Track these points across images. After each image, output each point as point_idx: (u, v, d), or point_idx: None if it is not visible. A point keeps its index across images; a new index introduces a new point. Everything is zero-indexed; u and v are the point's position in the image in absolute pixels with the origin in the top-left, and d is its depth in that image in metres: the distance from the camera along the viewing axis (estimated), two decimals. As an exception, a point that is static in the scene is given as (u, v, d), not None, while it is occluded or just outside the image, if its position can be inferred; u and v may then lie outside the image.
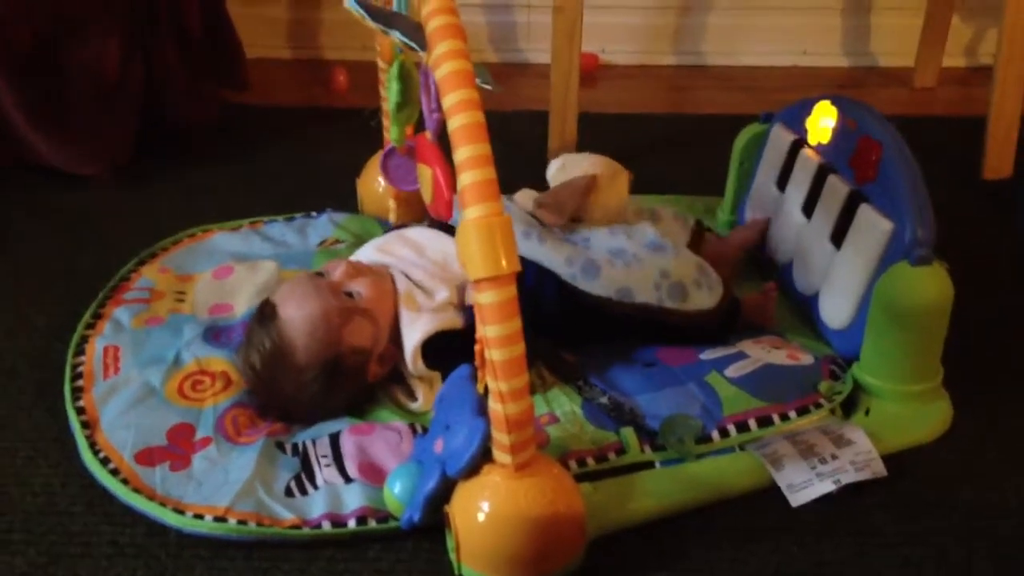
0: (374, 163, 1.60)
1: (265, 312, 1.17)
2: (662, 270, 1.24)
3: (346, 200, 1.64)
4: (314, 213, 1.62)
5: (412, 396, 1.19)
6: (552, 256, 1.23)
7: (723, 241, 1.46)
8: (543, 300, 1.21)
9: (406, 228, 1.37)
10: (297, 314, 1.14)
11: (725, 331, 1.27)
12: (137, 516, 1.04)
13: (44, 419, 1.19)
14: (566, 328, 1.24)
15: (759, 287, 1.35)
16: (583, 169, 1.31)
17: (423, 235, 1.32)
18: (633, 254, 1.25)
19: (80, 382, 1.22)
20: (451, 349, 1.09)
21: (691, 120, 2.10)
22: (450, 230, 1.25)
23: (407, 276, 1.24)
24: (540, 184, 1.36)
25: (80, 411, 1.17)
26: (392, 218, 1.52)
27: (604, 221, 1.30)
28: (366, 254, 1.32)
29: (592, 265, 1.23)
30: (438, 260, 1.26)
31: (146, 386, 1.20)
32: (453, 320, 1.19)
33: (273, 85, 2.24)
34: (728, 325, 1.27)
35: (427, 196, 1.15)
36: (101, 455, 1.10)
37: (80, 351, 1.28)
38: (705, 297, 1.25)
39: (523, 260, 1.18)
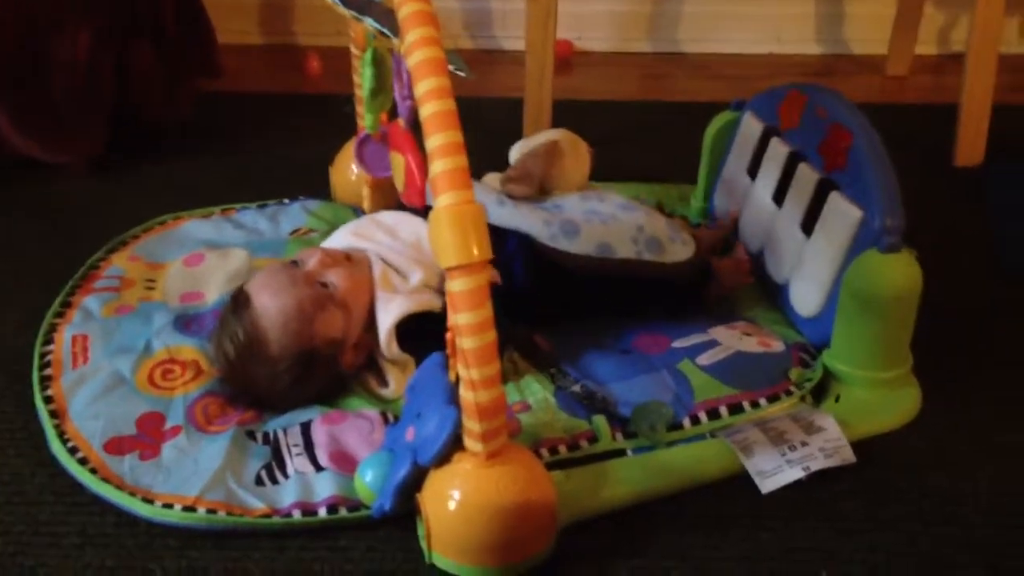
0: (347, 150, 1.59)
1: (239, 301, 1.16)
2: (638, 225, 1.26)
3: (319, 188, 1.63)
4: (286, 200, 1.61)
5: (384, 382, 1.19)
6: (529, 220, 1.24)
7: (695, 235, 1.46)
8: (516, 269, 1.21)
9: (379, 212, 1.36)
10: (271, 304, 1.13)
11: (701, 285, 1.30)
12: (106, 506, 1.04)
13: (12, 408, 1.18)
14: (540, 300, 1.24)
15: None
16: (540, 140, 1.32)
17: (396, 218, 1.32)
18: (609, 213, 1.27)
19: (48, 371, 1.21)
20: (426, 332, 1.08)
21: (666, 107, 2.10)
22: (423, 214, 1.24)
23: (383, 259, 1.23)
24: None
25: (48, 400, 1.16)
26: (366, 205, 1.51)
27: (572, 190, 1.31)
28: (341, 238, 1.31)
29: (571, 224, 1.24)
30: (412, 242, 1.26)
31: (115, 375, 1.19)
32: (429, 302, 1.18)
33: (245, 71, 2.23)
34: (703, 279, 1.30)
35: (399, 183, 1.15)
36: (70, 444, 1.10)
37: (48, 340, 1.27)
38: (680, 249, 1.27)
39: (496, 229, 1.19)
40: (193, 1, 1.97)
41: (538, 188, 1.29)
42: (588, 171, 1.34)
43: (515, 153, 1.37)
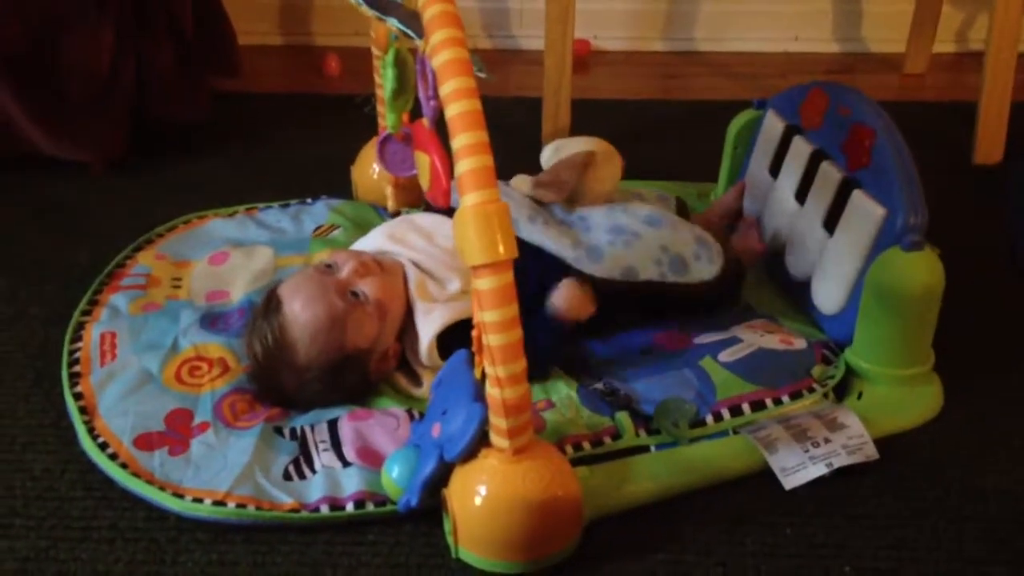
0: (368, 150, 1.60)
1: (270, 304, 1.17)
2: (662, 244, 1.25)
3: (340, 187, 1.64)
4: (309, 199, 1.62)
5: (416, 382, 1.20)
6: (555, 242, 1.24)
7: (704, 215, 1.47)
8: (546, 286, 1.21)
9: (414, 214, 1.36)
10: (301, 314, 1.14)
11: (731, 298, 1.31)
12: (136, 500, 1.05)
13: (42, 406, 1.20)
14: None
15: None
16: (578, 148, 1.32)
17: (432, 221, 1.32)
18: (632, 231, 1.26)
19: (77, 368, 1.22)
20: (464, 340, 1.08)
21: (683, 106, 2.10)
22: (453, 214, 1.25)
23: (418, 265, 1.24)
24: (534, 170, 1.37)
25: (78, 397, 1.18)
26: (390, 205, 1.52)
27: (599, 200, 1.31)
28: (376, 241, 1.31)
29: (595, 250, 1.24)
30: (448, 248, 1.26)
31: (144, 372, 1.20)
32: (467, 310, 1.17)
33: (264, 72, 2.24)
34: (733, 291, 1.30)
35: (425, 183, 1.15)
36: (100, 440, 1.11)
37: (77, 337, 1.28)
38: (705, 267, 1.26)
39: (527, 245, 1.19)
40: (212, 1, 1.98)
41: (567, 197, 1.30)
42: (618, 179, 1.35)
43: (547, 154, 1.37)
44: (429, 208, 1.35)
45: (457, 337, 1.12)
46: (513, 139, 1.62)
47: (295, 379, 1.14)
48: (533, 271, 1.19)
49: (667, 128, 1.99)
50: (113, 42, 1.76)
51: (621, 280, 1.23)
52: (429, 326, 1.17)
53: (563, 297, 1.21)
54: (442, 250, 1.26)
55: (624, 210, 1.29)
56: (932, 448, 1.14)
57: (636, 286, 1.23)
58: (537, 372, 0.94)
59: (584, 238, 1.26)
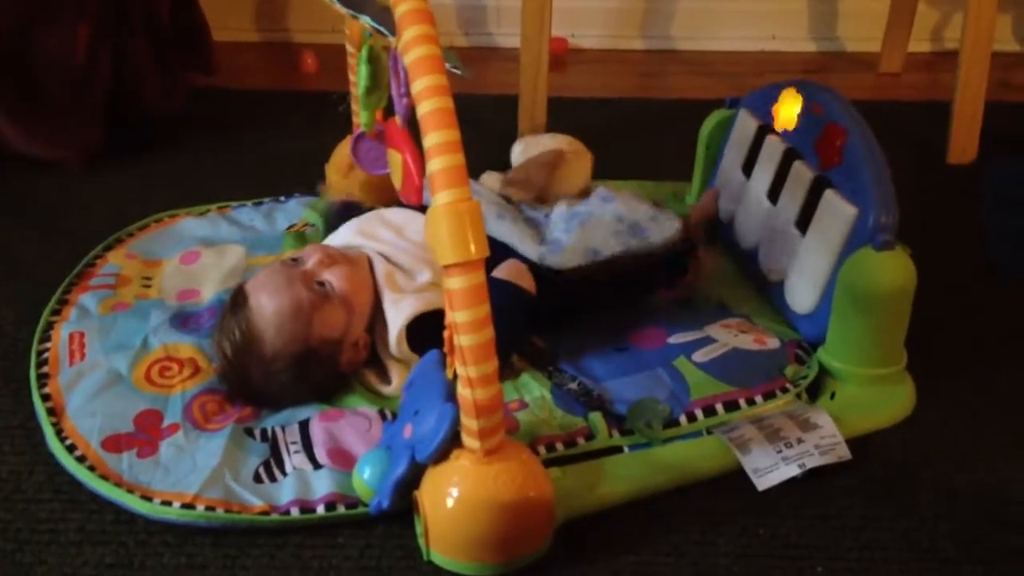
0: (342, 148, 1.59)
1: (237, 300, 1.16)
2: (616, 216, 1.27)
3: (314, 184, 1.63)
4: (282, 198, 1.61)
5: (385, 380, 1.19)
6: (520, 241, 1.25)
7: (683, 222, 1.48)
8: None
9: (385, 209, 1.36)
10: (268, 304, 1.14)
11: (687, 255, 1.31)
12: (104, 503, 1.04)
13: (9, 406, 1.18)
14: (541, 306, 1.24)
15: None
16: (546, 145, 1.32)
17: (404, 216, 1.32)
18: (587, 213, 1.28)
19: (46, 368, 1.21)
20: (433, 331, 1.08)
21: (660, 105, 2.10)
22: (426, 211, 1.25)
23: (387, 258, 1.23)
24: (509, 167, 1.37)
25: (46, 398, 1.16)
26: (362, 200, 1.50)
27: (568, 197, 1.31)
28: (345, 236, 1.31)
29: (556, 243, 1.25)
30: (419, 241, 1.26)
31: (113, 372, 1.19)
32: (437, 301, 1.18)
33: (241, 68, 2.22)
34: (689, 249, 1.32)
35: (397, 181, 1.14)
36: (68, 442, 1.10)
37: (46, 337, 1.27)
38: (665, 227, 1.28)
39: (496, 242, 1.19)
40: (188, -3, 1.97)
41: (537, 195, 1.30)
42: (588, 177, 1.35)
43: (517, 151, 1.37)
44: (403, 206, 1.34)
45: (427, 328, 1.12)
46: (489, 136, 1.61)
47: (263, 371, 1.14)
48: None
49: (644, 127, 1.99)
50: (89, 38, 1.75)
51: (587, 263, 1.23)
52: (398, 316, 1.16)
53: (504, 271, 1.22)
54: (412, 243, 1.26)
55: (584, 200, 1.31)
56: (905, 448, 1.14)
57: (604, 265, 1.24)
58: (502, 340, 0.92)
59: (547, 234, 1.26)
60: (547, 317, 1.26)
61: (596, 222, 1.26)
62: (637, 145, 1.88)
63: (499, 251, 1.22)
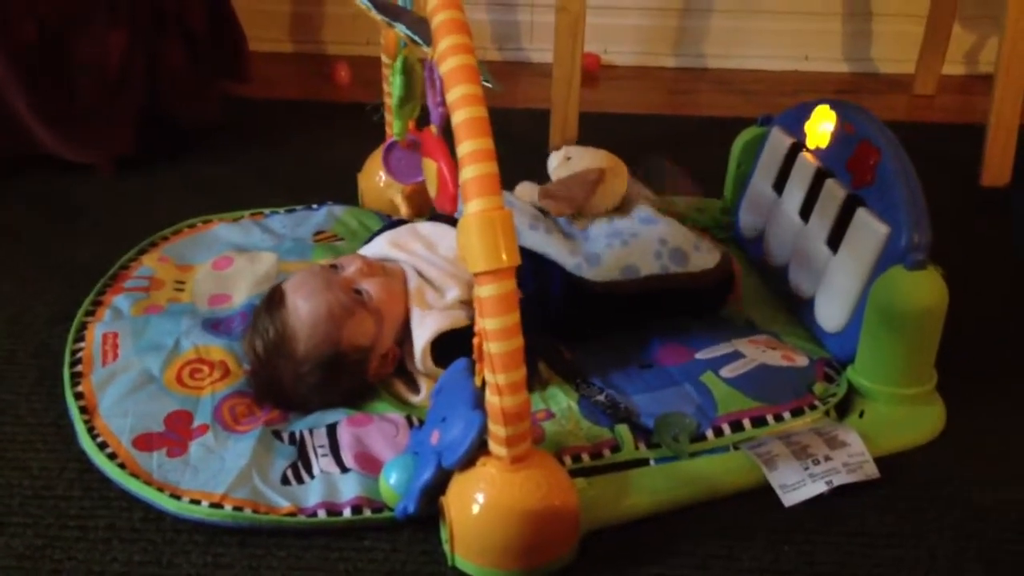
0: (375, 158, 1.61)
1: (273, 299, 1.17)
2: (660, 238, 1.27)
3: (347, 193, 1.65)
4: (315, 206, 1.62)
5: (414, 390, 1.20)
6: (556, 250, 1.25)
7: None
8: (548, 290, 1.22)
9: (418, 222, 1.37)
10: (303, 305, 1.15)
11: (726, 290, 1.31)
12: (134, 501, 1.05)
13: (42, 404, 1.20)
14: (570, 318, 1.25)
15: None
16: (588, 162, 1.33)
17: (435, 230, 1.32)
18: (630, 232, 1.28)
19: (79, 368, 1.23)
20: (460, 346, 1.08)
21: (691, 122, 2.10)
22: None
23: (419, 272, 1.24)
24: (540, 182, 1.37)
25: (79, 396, 1.18)
26: (403, 212, 1.52)
27: (603, 214, 1.32)
28: (378, 247, 1.31)
29: (594, 256, 1.25)
30: (449, 256, 1.26)
31: (145, 373, 1.20)
32: (462, 319, 1.18)
33: (275, 79, 2.24)
34: (728, 284, 1.31)
35: (432, 190, 1.16)
36: (99, 440, 1.11)
37: (79, 337, 1.28)
38: (706, 257, 1.28)
39: (528, 252, 1.20)
40: (223, 4, 1.99)
41: (576, 212, 1.31)
42: (623, 194, 1.35)
43: (555, 162, 1.37)
44: (435, 216, 1.35)
45: (453, 345, 1.12)
46: (521, 151, 1.62)
47: (292, 372, 1.14)
48: (532, 279, 1.20)
49: (674, 143, 1.99)
50: (124, 43, 1.77)
51: (623, 280, 1.24)
52: (424, 332, 1.17)
53: None
54: (443, 259, 1.26)
55: (624, 216, 1.31)
56: (933, 468, 1.13)
57: (639, 284, 1.24)
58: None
59: (584, 248, 1.26)
60: (576, 330, 1.26)
61: (638, 242, 1.26)
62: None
63: (531, 262, 1.23)
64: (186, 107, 1.92)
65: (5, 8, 1.68)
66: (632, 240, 1.27)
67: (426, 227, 1.34)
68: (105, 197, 1.72)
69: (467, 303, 1.21)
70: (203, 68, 1.94)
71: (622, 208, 1.33)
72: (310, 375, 1.15)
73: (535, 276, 1.21)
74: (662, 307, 1.28)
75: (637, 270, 1.25)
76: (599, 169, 1.32)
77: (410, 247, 1.29)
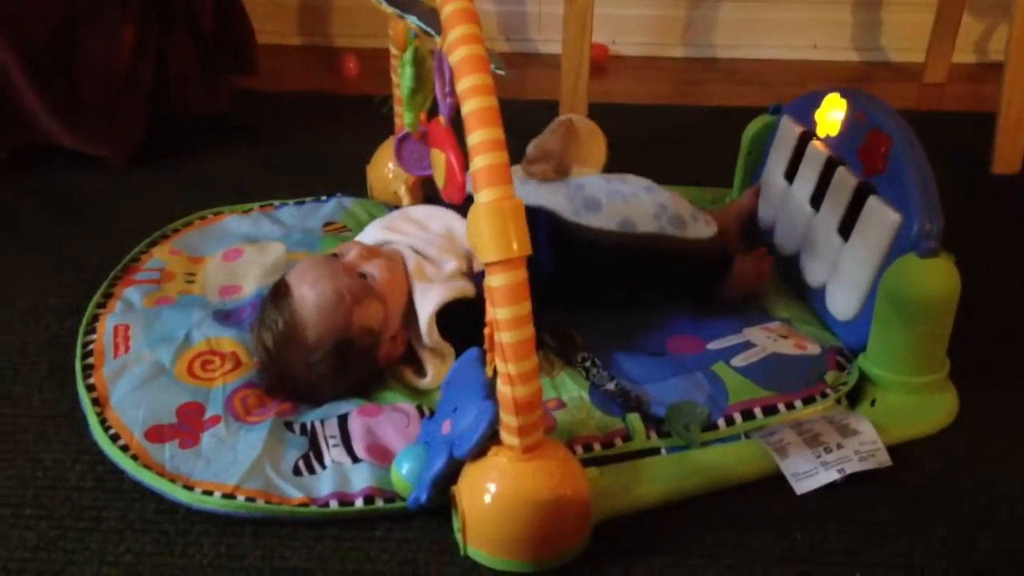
0: (384, 149, 1.61)
1: (279, 291, 1.17)
2: (660, 204, 1.29)
3: (355, 186, 1.65)
4: (324, 197, 1.63)
5: (421, 373, 1.20)
6: (552, 196, 1.27)
7: (718, 215, 1.47)
8: (540, 242, 1.20)
9: (409, 207, 1.38)
10: (310, 293, 1.15)
11: (722, 265, 1.31)
12: (146, 492, 1.05)
13: (54, 396, 1.20)
14: (563, 274, 1.23)
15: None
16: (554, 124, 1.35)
17: (425, 211, 1.34)
18: (631, 192, 1.30)
19: (91, 360, 1.23)
20: (464, 318, 1.09)
21: (700, 112, 2.10)
22: (462, 210, 1.25)
23: (415, 250, 1.25)
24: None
25: (91, 388, 1.18)
26: (405, 202, 1.52)
27: (592, 171, 1.33)
28: (374, 233, 1.32)
29: (593, 201, 1.27)
30: (442, 233, 1.28)
31: (156, 365, 1.21)
32: (465, 288, 1.20)
33: (282, 71, 2.25)
34: (724, 259, 1.31)
35: (440, 180, 1.16)
36: (111, 432, 1.11)
37: (91, 329, 1.28)
38: (702, 228, 1.31)
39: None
40: (231, -1, 2.00)
41: (557, 167, 1.31)
42: (605, 158, 1.36)
43: (532, 148, 1.39)
44: (431, 203, 1.36)
45: (456, 316, 1.14)
46: (528, 141, 1.62)
47: (303, 361, 1.15)
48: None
49: (683, 133, 1.99)
50: (133, 38, 1.78)
51: (618, 232, 1.24)
52: (428, 304, 1.17)
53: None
54: (437, 235, 1.28)
55: (622, 180, 1.33)
56: (945, 456, 1.13)
57: (634, 239, 1.25)
58: None
59: (581, 194, 1.28)
60: (563, 282, 1.24)
61: (639, 203, 1.28)
62: (676, 151, 1.88)
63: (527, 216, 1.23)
64: (194, 100, 1.92)
65: (17, 3, 1.69)
66: (633, 199, 1.29)
67: (417, 210, 1.35)
68: (115, 191, 1.72)
69: (467, 274, 1.21)
70: (211, 62, 1.94)
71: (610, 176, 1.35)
72: (321, 363, 1.15)
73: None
74: (655, 272, 1.29)
75: (634, 225, 1.26)
76: (563, 119, 1.34)
77: (404, 229, 1.30)
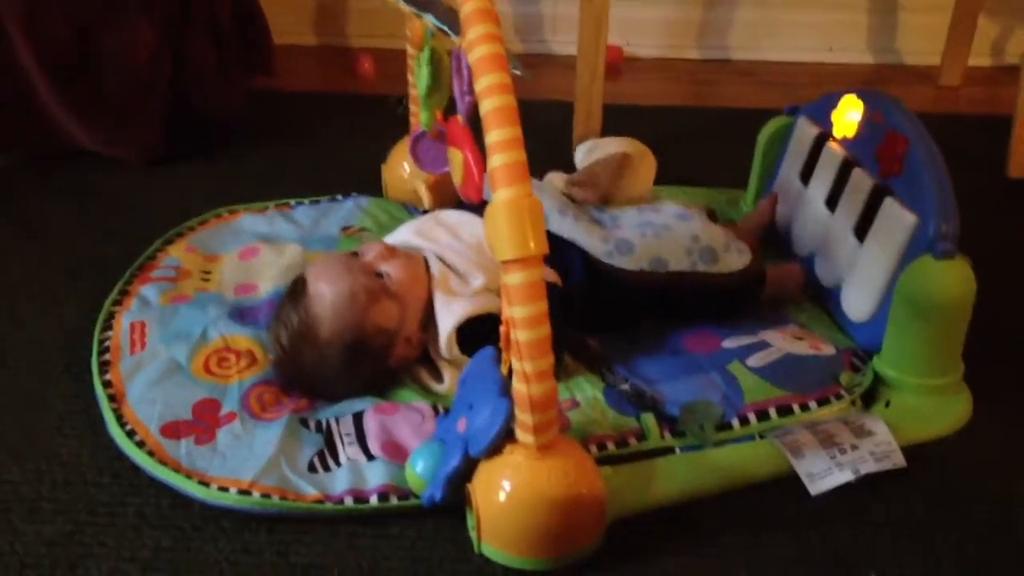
0: (399, 149, 1.61)
1: (296, 288, 1.18)
2: (693, 235, 1.27)
3: (371, 185, 1.65)
4: (339, 197, 1.63)
5: (438, 378, 1.20)
6: (587, 236, 1.26)
7: (737, 227, 1.47)
8: (569, 276, 1.22)
9: (442, 211, 1.37)
10: (326, 290, 1.15)
11: (754, 294, 1.31)
12: (162, 488, 1.06)
13: (71, 393, 1.21)
14: (589, 306, 1.24)
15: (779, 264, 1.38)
16: (612, 149, 1.33)
17: (458, 218, 1.32)
18: (663, 224, 1.28)
19: (107, 356, 1.23)
20: (484, 334, 1.08)
21: (714, 114, 2.10)
22: (483, 211, 1.26)
23: (442, 260, 1.24)
24: (568, 172, 1.37)
25: (107, 384, 1.19)
26: (425, 203, 1.53)
27: (632, 202, 1.32)
28: (403, 236, 1.32)
29: (625, 243, 1.25)
30: (473, 244, 1.27)
31: (172, 361, 1.21)
32: (488, 304, 1.18)
33: (299, 71, 2.26)
34: (757, 288, 1.31)
35: (457, 179, 1.16)
36: (128, 428, 1.12)
37: (107, 326, 1.29)
38: (735, 258, 1.28)
39: (557, 240, 1.20)
40: (250, 0, 2.00)
41: (601, 196, 1.31)
42: (651, 181, 1.35)
43: (581, 155, 1.38)
44: (460, 205, 1.35)
45: (477, 331, 1.13)
46: (543, 142, 1.62)
47: (316, 356, 1.15)
48: (560, 266, 1.20)
49: (698, 135, 1.99)
50: (153, 39, 1.79)
51: (650, 271, 1.23)
52: (449, 318, 1.17)
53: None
54: (467, 246, 1.27)
55: (654, 209, 1.31)
56: (960, 458, 1.13)
57: (664, 278, 1.24)
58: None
59: (615, 234, 1.26)
60: (595, 319, 1.26)
61: (670, 236, 1.27)
62: (691, 153, 1.88)
63: (561, 248, 1.23)
64: (212, 101, 1.93)
65: (37, 5, 1.70)
66: (664, 233, 1.27)
67: (450, 215, 1.34)
68: (134, 190, 1.73)
69: (493, 291, 1.21)
70: (229, 62, 1.95)
71: (649, 200, 1.33)
72: (334, 359, 1.15)
73: (555, 263, 1.21)
74: (685, 305, 1.28)
75: (666, 263, 1.25)
76: (622, 153, 1.32)
77: (433, 235, 1.29)
